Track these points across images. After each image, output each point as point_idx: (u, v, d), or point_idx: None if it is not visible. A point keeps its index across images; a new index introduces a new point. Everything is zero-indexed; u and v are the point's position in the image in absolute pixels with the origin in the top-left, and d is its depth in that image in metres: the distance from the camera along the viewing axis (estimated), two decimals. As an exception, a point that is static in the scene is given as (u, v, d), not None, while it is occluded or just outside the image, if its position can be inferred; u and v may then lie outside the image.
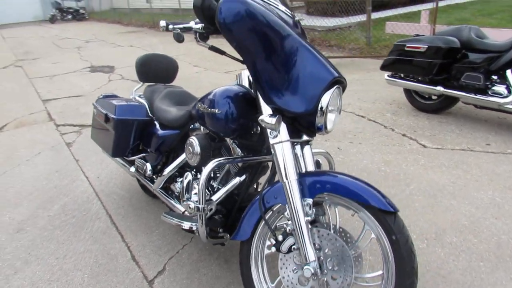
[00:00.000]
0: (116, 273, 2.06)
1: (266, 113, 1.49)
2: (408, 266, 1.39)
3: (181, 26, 1.64)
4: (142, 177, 2.40)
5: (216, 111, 1.66)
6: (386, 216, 1.42)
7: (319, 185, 1.49)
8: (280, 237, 1.54)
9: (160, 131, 2.24)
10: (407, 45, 3.81)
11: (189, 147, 1.84)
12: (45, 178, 3.13)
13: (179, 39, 1.66)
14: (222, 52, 1.65)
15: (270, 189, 1.61)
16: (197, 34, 1.60)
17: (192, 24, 1.60)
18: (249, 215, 1.65)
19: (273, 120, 1.44)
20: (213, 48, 1.62)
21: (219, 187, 1.90)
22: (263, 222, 1.60)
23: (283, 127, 1.49)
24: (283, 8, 1.57)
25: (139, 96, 2.52)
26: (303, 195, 1.49)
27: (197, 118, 1.83)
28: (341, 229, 1.60)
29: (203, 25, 1.58)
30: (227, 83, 1.80)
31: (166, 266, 2.10)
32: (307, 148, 1.63)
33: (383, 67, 4.12)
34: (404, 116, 4.00)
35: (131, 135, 2.34)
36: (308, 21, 9.08)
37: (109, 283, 1.99)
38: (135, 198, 2.77)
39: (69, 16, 20.49)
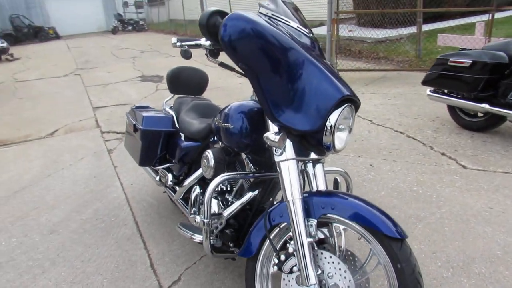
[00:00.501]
0: (134, 280, 2.13)
1: (272, 130, 1.49)
2: None
3: (190, 43, 1.68)
4: (164, 186, 2.47)
5: (230, 126, 1.67)
6: (391, 242, 1.35)
7: (325, 205, 1.46)
8: (282, 257, 1.52)
9: (184, 143, 2.30)
10: (451, 59, 3.62)
11: (205, 160, 1.87)
12: (83, 183, 3.31)
13: (186, 55, 1.71)
14: (231, 69, 1.67)
15: (276, 206, 1.60)
16: (208, 50, 1.63)
17: (202, 41, 1.64)
18: (255, 232, 1.64)
19: (276, 138, 1.43)
20: (223, 65, 1.65)
21: (233, 201, 1.92)
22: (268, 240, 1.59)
23: (289, 144, 1.47)
24: (295, 25, 1.55)
25: (169, 108, 2.61)
26: (307, 215, 1.46)
27: (215, 131, 1.86)
28: (349, 252, 1.55)
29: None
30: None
31: (181, 276, 2.14)
32: (318, 166, 1.61)
33: (425, 83, 3.95)
34: (446, 134, 3.80)
35: (157, 145, 2.42)
36: (357, 32, 8.93)
37: (125, 289, 2.07)
38: (162, 206, 2.85)
39: (130, 27, 21.73)
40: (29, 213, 2.86)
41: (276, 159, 1.49)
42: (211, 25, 1.50)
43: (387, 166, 3.22)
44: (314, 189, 1.59)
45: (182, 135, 2.35)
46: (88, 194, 3.12)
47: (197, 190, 2.02)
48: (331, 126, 1.36)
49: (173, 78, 2.56)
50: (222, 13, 1.52)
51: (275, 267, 1.55)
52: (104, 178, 3.38)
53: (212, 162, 1.82)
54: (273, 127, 1.49)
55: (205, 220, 1.70)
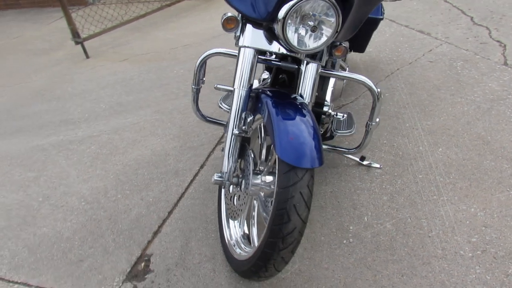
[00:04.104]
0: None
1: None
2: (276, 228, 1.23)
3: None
4: None
5: None
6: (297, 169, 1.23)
7: (262, 107, 1.38)
8: None
9: None
10: None
11: None
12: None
13: None
14: None
15: None
16: None
17: None
18: None
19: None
20: None
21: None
22: None
23: (249, 32, 1.41)
24: None
25: None
26: (244, 109, 1.45)
27: None
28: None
29: None
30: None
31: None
32: (309, 68, 1.46)
33: None
34: None
35: None
36: None
37: None
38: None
39: None
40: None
41: (236, 44, 1.45)
42: None
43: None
44: (299, 91, 1.48)
45: None
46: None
47: None
48: (281, 19, 1.24)
49: None
50: None
51: None
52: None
53: None
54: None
55: (192, 86, 1.80)
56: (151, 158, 2.42)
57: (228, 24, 1.42)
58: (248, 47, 1.42)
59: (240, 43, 1.43)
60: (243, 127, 1.44)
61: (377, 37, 3.61)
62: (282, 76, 1.73)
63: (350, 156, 2.11)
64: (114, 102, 3.19)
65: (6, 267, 1.83)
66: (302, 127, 1.32)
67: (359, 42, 2.64)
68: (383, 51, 3.34)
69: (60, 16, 4.15)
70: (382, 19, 2.50)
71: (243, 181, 1.49)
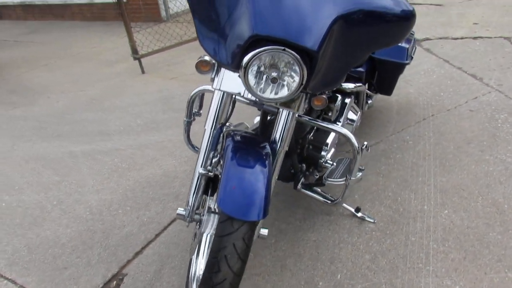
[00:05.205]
0: None
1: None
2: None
3: None
4: None
5: None
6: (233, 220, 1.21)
7: (225, 151, 1.38)
8: None
9: None
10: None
11: None
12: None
13: None
14: None
15: None
16: None
17: None
18: None
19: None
20: None
21: None
22: None
23: (222, 75, 1.42)
24: None
25: None
26: (212, 148, 1.48)
27: None
28: None
29: None
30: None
31: None
32: (284, 114, 1.44)
33: None
34: None
35: None
36: None
37: None
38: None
39: None
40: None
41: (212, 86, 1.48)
42: None
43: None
44: (272, 137, 1.46)
45: None
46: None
47: None
48: (242, 68, 1.21)
49: None
50: None
51: None
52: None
53: None
54: None
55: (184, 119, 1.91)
56: (160, 178, 2.52)
57: (202, 66, 1.46)
58: (219, 90, 1.45)
59: (214, 85, 1.46)
60: (208, 167, 1.46)
61: (423, 78, 3.42)
62: (271, 118, 1.72)
63: (345, 205, 2.01)
64: (150, 119, 3.38)
65: (4, 262, 2.01)
66: (251, 177, 1.31)
67: (384, 85, 2.54)
68: (424, 94, 3.15)
69: (136, 31, 4.48)
70: (407, 64, 2.38)
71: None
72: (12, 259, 2.03)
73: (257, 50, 1.19)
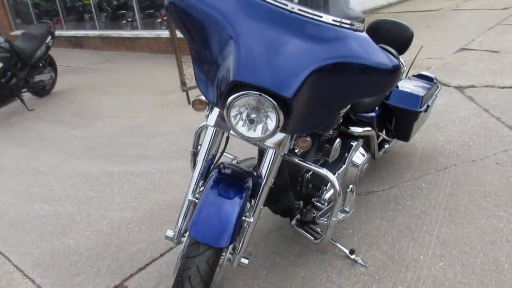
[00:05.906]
0: None
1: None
2: None
3: None
4: None
5: None
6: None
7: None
8: None
9: None
10: None
11: None
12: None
13: None
14: None
15: None
16: None
17: None
18: None
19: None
20: None
21: None
22: None
23: (215, 113, 1.59)
24: None
25: None
26: (202, 178, 1.64)
27: None
28: None
29: None
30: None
31: None
32: (270, 153, 1.54)
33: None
34: None
35: None
36: None
37: None
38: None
39: None
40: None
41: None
42: None
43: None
44: (258, 172, 1.56)
45: None
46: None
47: None
48: (225, 108, 1.34)
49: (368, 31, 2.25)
50: None
51: None
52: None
53: None
54: None
55: (191, 150, 2.06)
56: (179, 203, 2.70)
57: (198, 104, 1.64)
58: (211, 126, 1.61)
59: (207, 122, 1.63)
60: (196, 195, 1.61)
61: (456, 126, 3.35)
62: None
63: (339, 245, 2.04)
64: (184, 147, 3.63)
65: (30, 263, 2.28)
66: (224, 207, 1.44)
67: (400, 131, 2.56)
68: (453, 142, 3.08)
69: (188, 65, 4.88)
70: (420, 112, 2.40)
71: None
72: (37, 261, 2.30)
73: (236, 94, 1.34)
